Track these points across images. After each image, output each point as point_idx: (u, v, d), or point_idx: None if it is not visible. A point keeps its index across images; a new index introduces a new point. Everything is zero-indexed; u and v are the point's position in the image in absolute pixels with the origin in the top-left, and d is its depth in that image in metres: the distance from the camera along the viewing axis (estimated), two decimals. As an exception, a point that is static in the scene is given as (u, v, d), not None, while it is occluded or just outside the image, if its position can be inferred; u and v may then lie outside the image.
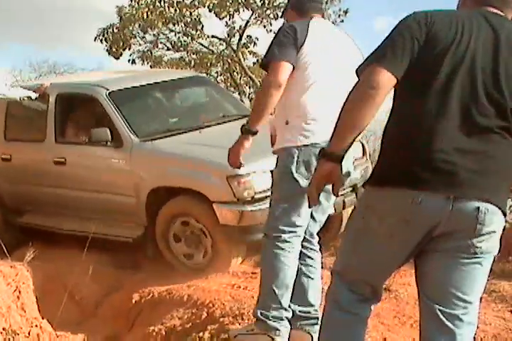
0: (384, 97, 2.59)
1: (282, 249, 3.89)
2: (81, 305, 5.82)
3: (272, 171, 4.31)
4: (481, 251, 2.69)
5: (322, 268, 4.22)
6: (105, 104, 6.44)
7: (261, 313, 3.85)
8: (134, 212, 6.22)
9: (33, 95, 6.97)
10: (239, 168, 4.11)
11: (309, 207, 2.91)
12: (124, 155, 6.36)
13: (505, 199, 2.73)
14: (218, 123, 7.00)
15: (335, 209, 5.42)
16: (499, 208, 2.65)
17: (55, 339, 4.46)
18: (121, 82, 7.11)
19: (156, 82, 7.41)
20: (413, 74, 2.59)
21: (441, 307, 2.76)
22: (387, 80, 2.56)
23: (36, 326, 4.30)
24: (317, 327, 3.75)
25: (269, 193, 4.65)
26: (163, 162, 6.20)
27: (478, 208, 2.60)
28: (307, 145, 3.79)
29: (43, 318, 4.53)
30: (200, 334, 4.10)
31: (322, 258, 4.26)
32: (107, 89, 6.58)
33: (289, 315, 3.88)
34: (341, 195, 5.65)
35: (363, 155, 6.53)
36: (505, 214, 2.71)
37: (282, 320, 3.85)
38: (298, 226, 3.89)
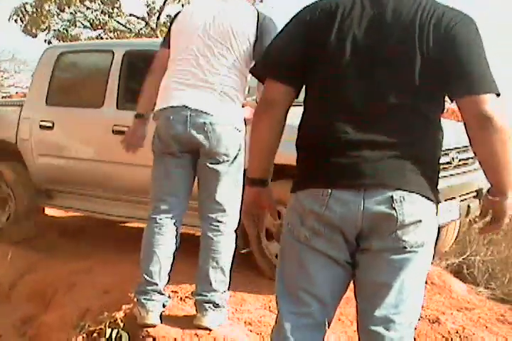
0: (279, 111, 2.54)
1: (148, 225, 4.07)
2: (-5, 287, 5.77)
3: None
4: (410, 244, 2.47)
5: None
6: None
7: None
8: None
9: None
10: None
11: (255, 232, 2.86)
12: None
13: (427, 185, 2.49)
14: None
15: (459, 215, 5.24)
16: (421, 195, 2.45)
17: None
18: None
19: None
20: (306, 76, 2.50)
21: (371, 310, 2.54)
22: (277, 93, 2.52)
23: None
24: (211, 311, 3.96)
25: None
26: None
27: (392, 197, 2.42)
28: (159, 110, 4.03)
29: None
30: (114, 313, 4.12)
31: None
32: None
33: (155, 287, 3.98)
34: (464, 199, 5.33)
35: None
36: (434, 201, 2.51)
37: (147, 293, 3.96)
38: (161, 200, 4.03)
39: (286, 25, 2.55)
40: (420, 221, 2.43)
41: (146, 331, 3.93)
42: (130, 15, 15.13)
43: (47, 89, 6.24)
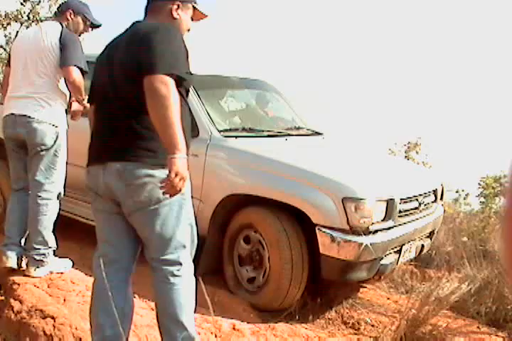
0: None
1: (10, 200, 5.23)
2: None
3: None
4: (148, 203, 2.98)
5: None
6: None
7: None
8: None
9: None
10: None
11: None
12: (197, 149, 5.05)
13: (146, 157, 2.96)
14: (301, 135, 6.07)
15: (415, 254, 5.36)
16: (140, 164, 2.95)
17: None
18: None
19: (231, 77, 6.37)
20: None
21: (149, 255, 3.17)
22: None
23: None
24: (32, 266, 4.87)
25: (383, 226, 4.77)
26: (253, 166, 4.94)
27: (118, 168, 2.96)
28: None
29: None
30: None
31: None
32: None
33: (13, 241, 5.01)
34: (420, 239, 5.40)
35: (436, 198, 5.80)
36: (154, 167, 2.96)
37: (6, 245, 5.01)
38: (15, 181, 5.13)
39: None
40: (145, 183, 2.95)
41: (13, 280, 4.61)
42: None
43: None
